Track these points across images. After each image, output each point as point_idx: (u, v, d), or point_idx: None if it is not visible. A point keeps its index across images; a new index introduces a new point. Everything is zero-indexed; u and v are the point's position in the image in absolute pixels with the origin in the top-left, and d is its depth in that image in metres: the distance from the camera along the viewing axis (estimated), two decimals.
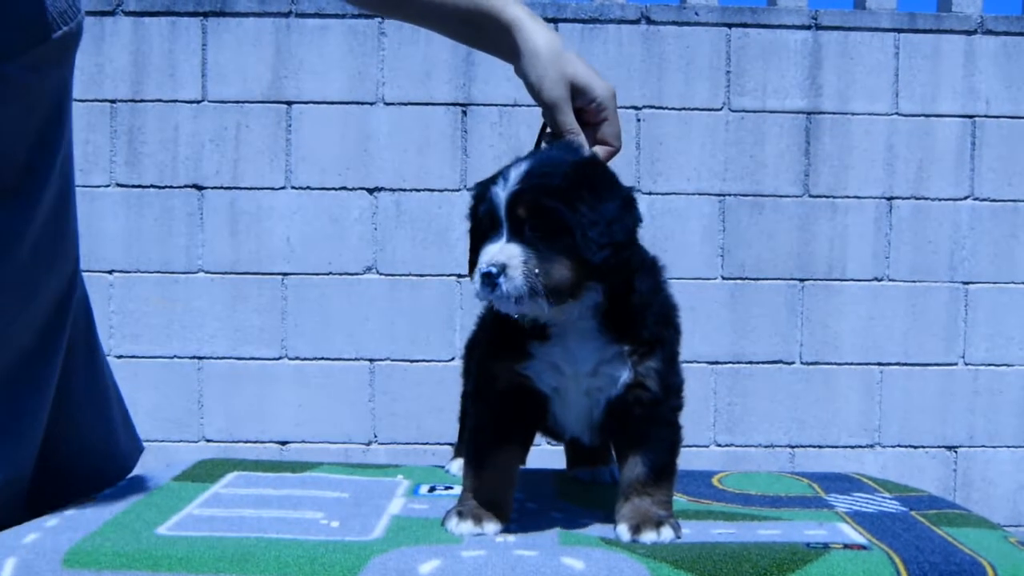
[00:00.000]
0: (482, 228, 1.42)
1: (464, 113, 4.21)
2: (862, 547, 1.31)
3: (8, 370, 1.51)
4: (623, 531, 1.36)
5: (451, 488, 1.64)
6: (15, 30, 1.43)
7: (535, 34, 1.56)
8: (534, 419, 1.47)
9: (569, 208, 1.37)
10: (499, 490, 1.43)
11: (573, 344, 1.40)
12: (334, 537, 1.33)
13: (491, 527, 1.38)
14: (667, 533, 1.35)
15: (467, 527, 1.37)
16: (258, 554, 1.23)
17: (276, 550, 1.25)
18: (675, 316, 1.50)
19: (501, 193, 1.38)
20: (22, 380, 1.53)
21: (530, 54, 1.55)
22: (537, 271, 1.35)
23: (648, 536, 1.34)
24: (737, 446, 4.32)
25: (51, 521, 1.37)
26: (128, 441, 1.83)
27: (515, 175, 1.39)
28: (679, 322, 1.51)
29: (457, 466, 1.75)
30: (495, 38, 1.60)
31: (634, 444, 1.41)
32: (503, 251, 1.36)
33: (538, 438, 1.55)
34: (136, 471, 1.80)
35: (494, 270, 1.35)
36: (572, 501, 1.60)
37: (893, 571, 1.23)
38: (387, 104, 4.23)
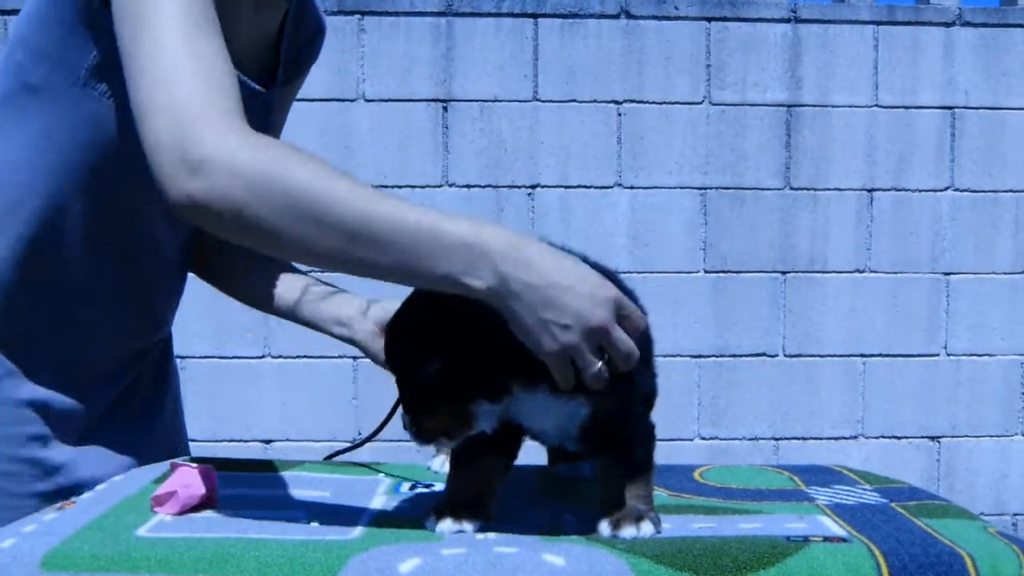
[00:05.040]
0: None
1: (445, 109, 4.20)
2: (842, 540, 1.31)
3: None
4: (603, 527, 1.35)
5: (432, 486, 1.63)
6: None
7: None
8: (516, 431, 1.45)
9: None
10: (482, 488, 1.42)
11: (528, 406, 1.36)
12: (314, 536, 1.32)
13: (471, 524, 1.37)
14: (647, 528, 1.34)
15: (447, 524, 1.36)
16: (238, 555, 1.23)
17: (256, 550, 1.24)
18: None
19: None
20: None
21: None
22: None
23: (628, 531, 1.33)
24: (721, 439, 4.33)
25: (28, 526, 1.37)
26: None
27: None
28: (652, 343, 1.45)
29: (439, 463, 1.74)
30: None
31: (609, 441, 1.40)
32: None
33: None
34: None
35: None
36: (553, 497, 1.59)
37: (873, 563, 1.23)
38: (368, 101, 4.22)
